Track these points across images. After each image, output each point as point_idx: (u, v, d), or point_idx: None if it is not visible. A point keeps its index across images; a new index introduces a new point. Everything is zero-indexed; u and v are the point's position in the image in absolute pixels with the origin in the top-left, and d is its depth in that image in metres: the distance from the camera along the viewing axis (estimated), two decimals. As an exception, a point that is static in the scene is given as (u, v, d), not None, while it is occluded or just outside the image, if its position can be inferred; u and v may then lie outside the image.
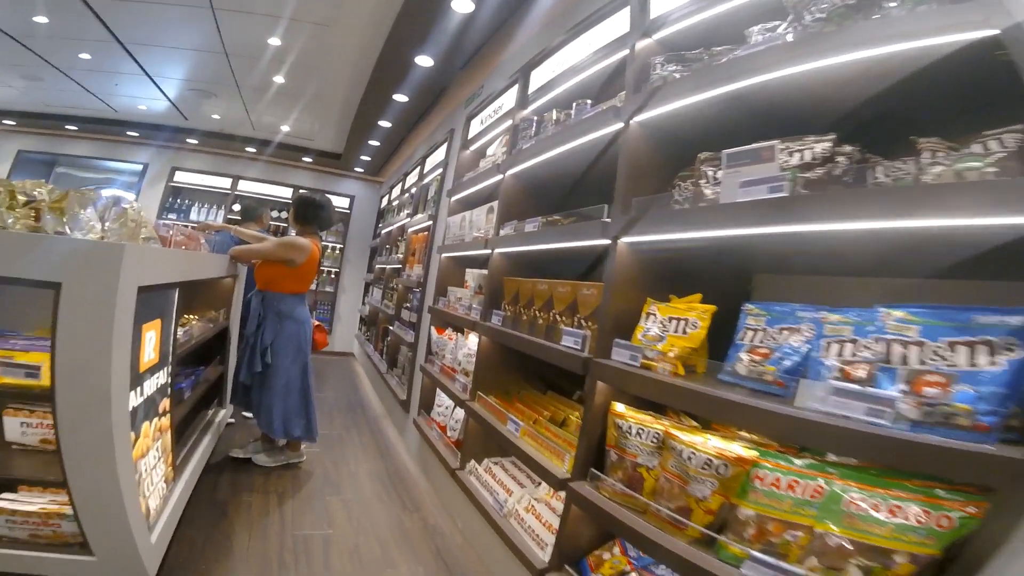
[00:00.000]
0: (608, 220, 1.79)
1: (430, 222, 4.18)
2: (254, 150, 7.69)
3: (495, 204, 2.87)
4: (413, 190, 5.39)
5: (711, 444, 1.42)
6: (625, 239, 1.73)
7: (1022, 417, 1.00)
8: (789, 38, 1.35)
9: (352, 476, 3.42)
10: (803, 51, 1.27)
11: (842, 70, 1.26)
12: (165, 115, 6.50)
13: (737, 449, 1.37)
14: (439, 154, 4.57)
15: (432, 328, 3.60)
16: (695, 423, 1.65)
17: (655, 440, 1.59)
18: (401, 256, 5.08)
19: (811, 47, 1.26)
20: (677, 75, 1.68)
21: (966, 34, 1.05)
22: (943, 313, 1.10)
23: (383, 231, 6.81)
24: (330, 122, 6.06)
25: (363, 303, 7.97)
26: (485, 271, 3.03)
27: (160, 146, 7.59)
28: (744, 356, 1.48)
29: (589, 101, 2.26)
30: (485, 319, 2.68)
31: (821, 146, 1.37)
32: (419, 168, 5.35)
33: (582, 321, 1.91)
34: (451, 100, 4.48)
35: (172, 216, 7.50)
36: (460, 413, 3.02)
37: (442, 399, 3.34)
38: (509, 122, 2.98)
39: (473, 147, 3.72)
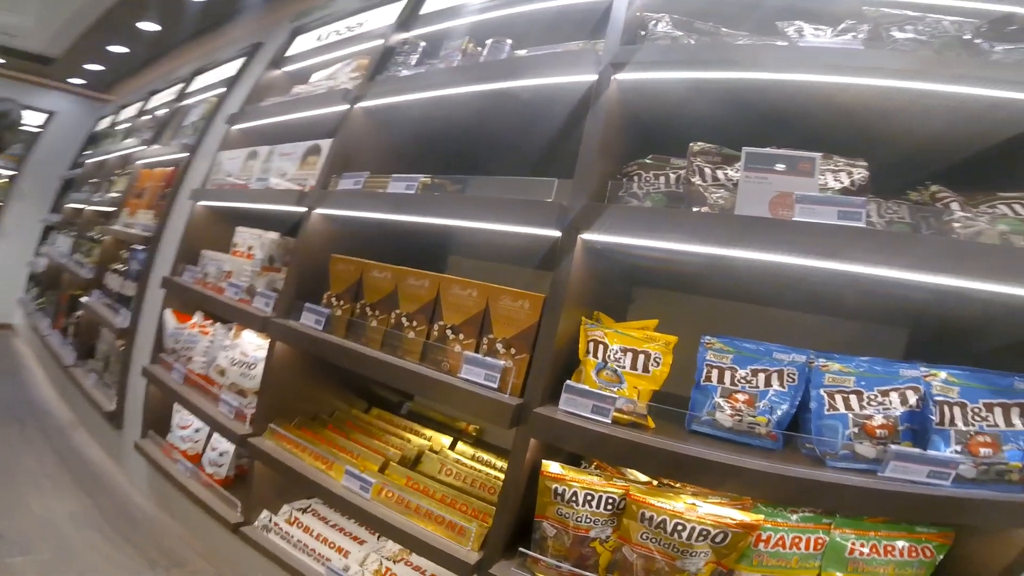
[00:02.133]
0: (564, 204, 1.25)
1: (183, 155, 2.78)
2: None
3: (325, 145, 1.93)
4: (161, 112, 3.62)
5: (704, 511, 1.13)
6: (591, 235, 1.23)
7: None
8: (858, 46, 1.12)
9: (45, 523, 2.16)
10: (896, 67, 1.06)
11: (915, 98, 1.08)
12: None
13: (736, 514, 1.12)
14: (224, 71, 3.12)
15: (168, 312, 2.36)
16: (643, 478, 1.33)
17: (610, 506, 1.21)
18: (118, 195, 3.36)
19: (906, 65, 1.05)
20: (690, 40, 1.24)
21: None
22: (983, 377, 1.06)
23: (90, 160, 4.72)
24: (55, 16, 3.86)
25: (37, 254, 5.36)
26: (281, 237, 2.07)
27: None
28: (724, 403, 1.21)
29: (509, 41, 1.61)
30: (285, 314, 1.80)
31: (859, 173, 1.17)
32: (182, 86, 3.62)
33: (497, 346, 1.34)
34: (275, 10, 3.07)
35: None
36: (224, 441, 2.05)
37: (189, 419, 2.23)
38: (374, 44, 2.06)
39: (290, 67, 2.61)
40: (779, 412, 1.18)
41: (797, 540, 1.13)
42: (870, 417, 1.11)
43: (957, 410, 1.04)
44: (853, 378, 1.16)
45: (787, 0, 1.30)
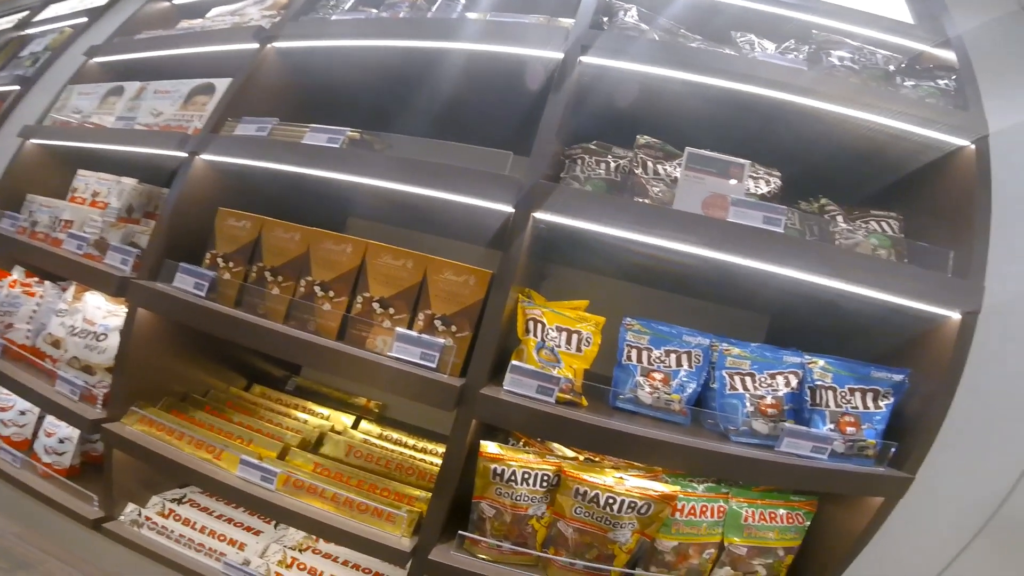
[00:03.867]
0: (516, 177, 1.19)
1: (13, 87, 2.18)
2: None
3: (221, 84, 1.59)
4: None
5: (630, 484, 1.21)
6: (542, 215, 1.19)
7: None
8: (804, 67, 1.24)
9: None
10: (825, 92, 1.21)
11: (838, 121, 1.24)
12: None
13: (658, 486, 1.22)
14: (88, 1, 2.47)
15: None
16: (570, 453, 1.37)
17: (545, 483, 1.23)
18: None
19: (833, 90, 1.20)
20: (654, 35, 1.24)
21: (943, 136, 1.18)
22: (848, 365, 1.26)
23: None
24: None
25: None
26: (140, 184, 1.72)
27: None
28: (643, 381, 1.29)
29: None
30: (151, 275, 1.48)
31: (774, 181, 1.30)
32: (27, 14, 2.83)
33: (436, 322, 1.25)
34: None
35: None
36: (64, 426, 1.65)
37: (9, 399, 1.75)
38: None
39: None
40: (688, 390, 1.30)
41: (704, 509, 1.26)
42: (763, 397, 1.26)
43: (830, 393, 1.24)
44: (748, 362, 1.31)
45: (742, 11, 1.39)
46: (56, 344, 1.66)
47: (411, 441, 1.78)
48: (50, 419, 1.68)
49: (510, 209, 1.21)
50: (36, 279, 1.84)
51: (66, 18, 2.59)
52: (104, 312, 1.62)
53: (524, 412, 1.13)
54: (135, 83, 1.88)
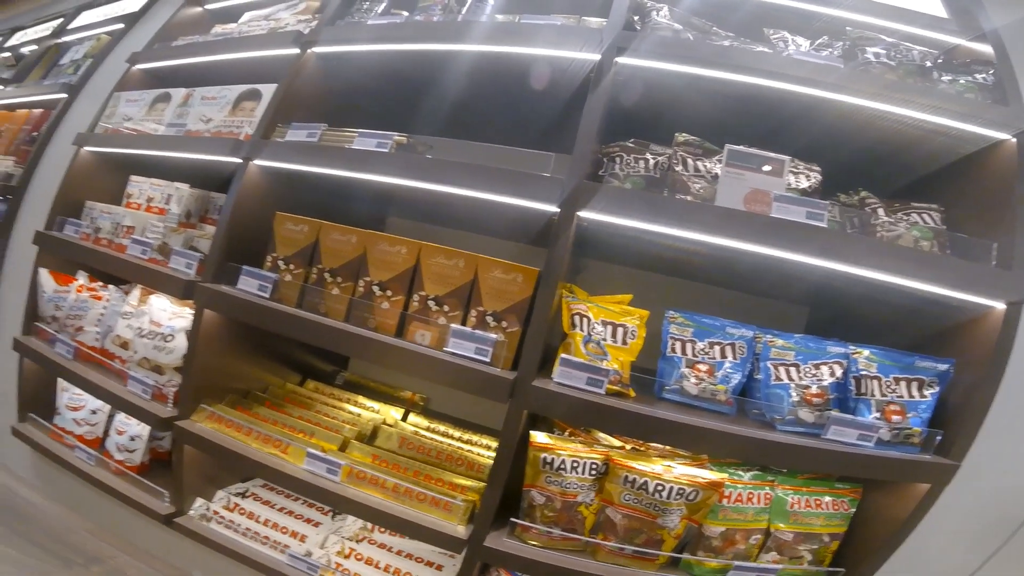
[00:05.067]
0: (563, 179, 1.24)
1: (61, 96, 2.24)
2: None
3: (267, 90, 1.66)
4: (27, 50, 2.94)
5: (678, 472, 1.25)
6: (587, 214, 1.23)
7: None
8: (840, 64, 1.25)
9: None
10: (863, 89, 1.23)
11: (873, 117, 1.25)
12: None
13: (706, 474, 1.26)
14: (121, 7, 2.58)
15: (44, 273, 1.92)
16: (616, 442, 1.42)
17: (593, 472, 1.29)
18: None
19: (870, 87, 1.22)
20: (688, 34, 1.27)
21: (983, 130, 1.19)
22: (892, 355, 1.28)
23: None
24: None
25: None
26: (191, 189, 1.81)
27: None
28: (688, 372, 1.34)
29: (491, 1, 1.50)
30: (215, 278, 1.57)
31: (814, 176, 1.32)
32: (62, 22, 2.89)
33: (487, 318, 1.32)
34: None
35: None
36: (134, 423, 1.77)
37: (81, 398, 1.87)
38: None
39: (214, 5, 2.25)
40: (733, 381, 1.34)
41: (751, 496, 1.29)
42: (808, 387, 1.29)
43: (875, 383, 1.26)
44: (793, 352, 1.34)
45: (774, 8, 1.41)
46: (124, 345, 1.77)
47: (456, 433, 1.84)
48: (120, 417, 1.79)
49: (555, 209, 1.26)
50: (100, 283, 1.95)
51: (100, 25, 2.64)
52: (169, 314, 1.72)
53: (574, 402, 1.18)
54: (181, 90, 1.94)
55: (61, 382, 1.88)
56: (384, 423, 1.76)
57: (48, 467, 1.92)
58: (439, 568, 1.51)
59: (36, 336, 1.95)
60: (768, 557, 1.32)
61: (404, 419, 1.86)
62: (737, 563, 1.28)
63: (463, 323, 1.34)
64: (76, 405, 1.85)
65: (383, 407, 1.89)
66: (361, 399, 1.92)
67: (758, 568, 1.29)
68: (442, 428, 1.85)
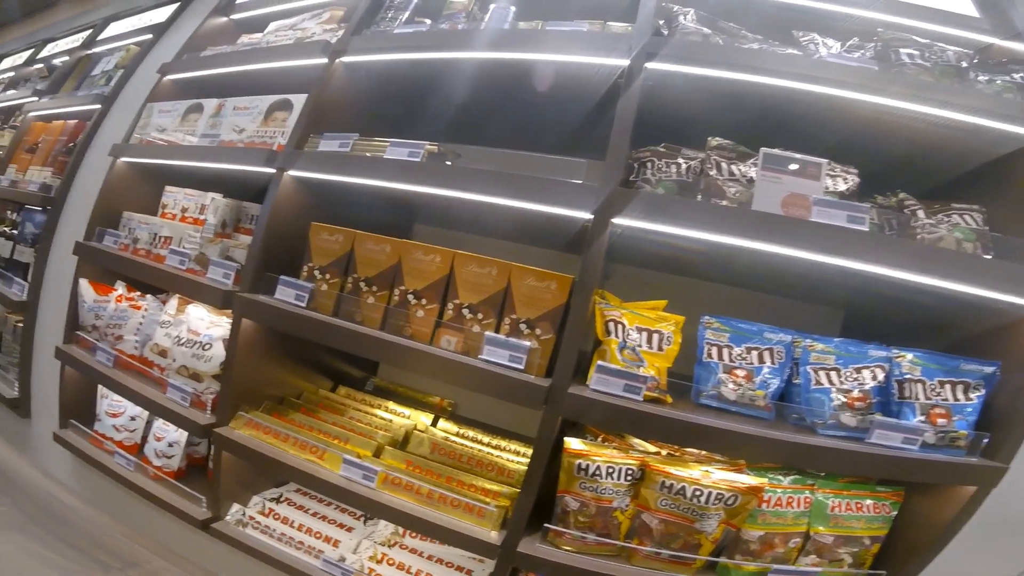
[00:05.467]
0: (596, 186, 1.24)
1: (95, 107, 2.29)
2: None
3: (297, 100, 1.69)
4: (58, 62, 3.02)
5: (717, 477, 1.24)
6: (621, 220, 1.23)
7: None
8: (875, 67, 1.24)
9: None
10: (899, 91, 1.21)
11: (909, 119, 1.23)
12: None
13: (746, 479, 1.25)
14: (147, 18, 2.63)
15: (84, 283, 1.97)
16: (651, 448, 1.42)
17: (629, 477, 1.28)
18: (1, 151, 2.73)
19: (906, 89, 1.20)
20: (717, 38, 1.27)
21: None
22: (936, 358, 1.25)
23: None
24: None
25: None
26: (222, 198, 1.84)
27: None
28: (726, 378, 1.33)
29: (513, 8, 1.51)
30: (252, 288, 1.61)
31: (852, 179, 1.31)
32: (91, 33, 2.99)
33: (521, 326, 1.32)
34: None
35: None
36: (172, 430, 1.81)
37: (120, 405, 1.92)
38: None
39: (240, 15, 2.27)
40: (772, 386, 1.32)
41: (791, 500, 1.28)
42: (849, 391, 1.27)
43: (919, 386, 1.23)
44: (833, 357, 1.32)
45: (803, 10, 1.40)
46: (163, 353, 1.81)
47: (486, 438, 1.85)
48: (158, 423, 1.84)
49: (588, 216, 1.26)
50: (138, 293, 2.00)
51: (128, 36, 2.70)
52: (207, 323, 1.76)
53: (611, 409, 1.17)
54: (213, 100, 1.97)
55: (101, 389, 1.93)
56: (415, 429, 1.77)
57: (87, 472, 1.97)
58: (468, 573, 1.52)
59: (77, 345, 2.01)
60: (807, 560, 1.30)
61: (434, 424, 1.88)
62: (776, 566, 1.27)
63: (496, 331, 1.35)
64: (116, 411, 1.90)
65: (413, 412, 1.91)
66: (391, 404, 1.94)
67: (798, 571, 1.28)
68: (471, 433, 1.86)
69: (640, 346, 1.31)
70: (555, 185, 1.27)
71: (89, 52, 2.90)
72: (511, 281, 1.34)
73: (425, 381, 2.10)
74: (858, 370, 1.31)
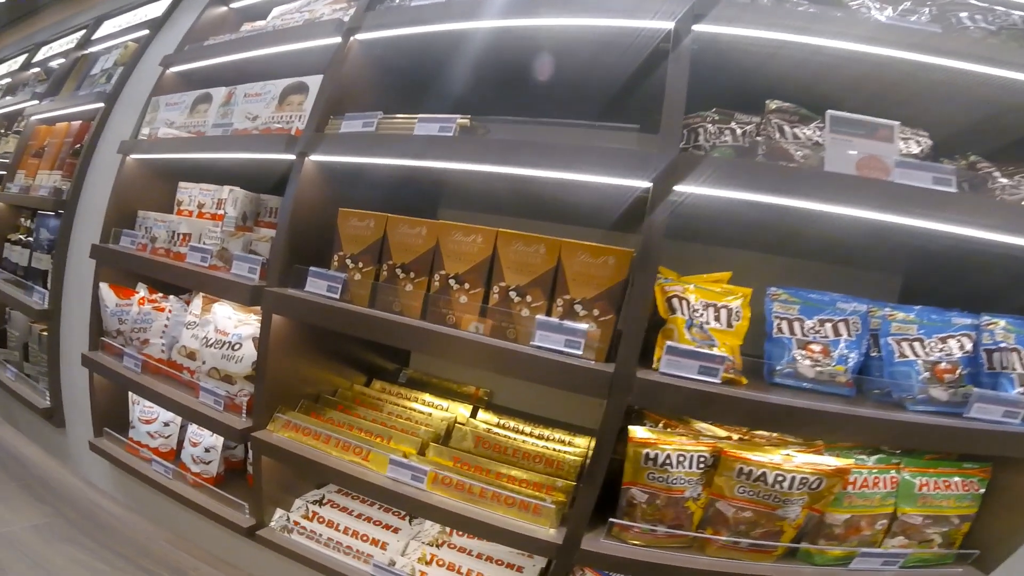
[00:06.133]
0: (654, 151, 1.11)
1: (98, 105, 2.18)
2: None
3: (313, 82, 1.57)
4: (55, 64, 2.93)
5: (800, 460, 1.14)
6: (684, 187, 1.10)
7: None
8: (937, 28, 1.12)
9: (8, 540, 1.74)
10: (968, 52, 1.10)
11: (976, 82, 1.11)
12: None
13: (831, 461, 1.14)
14: (141, 13, 2.53)
15: (105, 287, 1.88)
16: (719, 432, 1.31)
17: (701, 465, 1.18)
18: (6, 158, 2.67)
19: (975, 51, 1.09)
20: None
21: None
22: None
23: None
24: None
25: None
26: (241, 190, 1.74)
27: None
28: (801, 354, 1.21)
29: None
30: (280, 282, 1.50)
31: (924, 141, 1.19)
32: (85, 33, 2.90)
33: (576, 307, 1.20)
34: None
35: None
36: (207, 434, 1.72)
37: (153, 411, 1.84)
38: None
39: (240, 3, 2.16)
40: (851, 361, 1.21)
41: (877, 481, 1.18)
42: (937, 363, 1.16)
43: (1014, 355, 1.12)
44: (915, 326, 1.20)
45: None
46: (191, 356, 1.72)
47: (528, 428, 1.75)
48: (193, 428, 1.75)
49: (646, 184, 1.14)
50: (160, 294, 1.91)
51: (124, 32, 2.59)
52: (235, 322, 1.66)
53: (686, 394, 1.06)
54: (222, 89, 1.86)
55: (132, 395, 1.85)
56: (456, 422, 1.67)
57: (127, 479, 1.91)
58: (519, 570, 1.43)
59: (103, 351, 1.92)
60: (894, 542, 1.21)
61: (473, 416, 1.78)
62: (863, 550, 1.18)
63: (548, 314, 1.23)
64: (148, 418, 1.82)
65: (451, 404, 1.81)
66: (427, 396, 1.84)
67: (886, 554, 1.19)
68: (512, 423, 1.76)
69: (707, 323, 1.19)
70: (613, 154, 1.15)
71: (86, 52, 2.80)
72: (562, 259, 1.22)
73: (459, 370, 2.00)
74: (943, 339, 1.19)
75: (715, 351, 1.11)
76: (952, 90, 1.22)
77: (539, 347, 1.19)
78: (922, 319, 1.21)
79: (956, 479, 1.19)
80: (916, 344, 1.19)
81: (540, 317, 1.20)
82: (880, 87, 1.27)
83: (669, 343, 1.10)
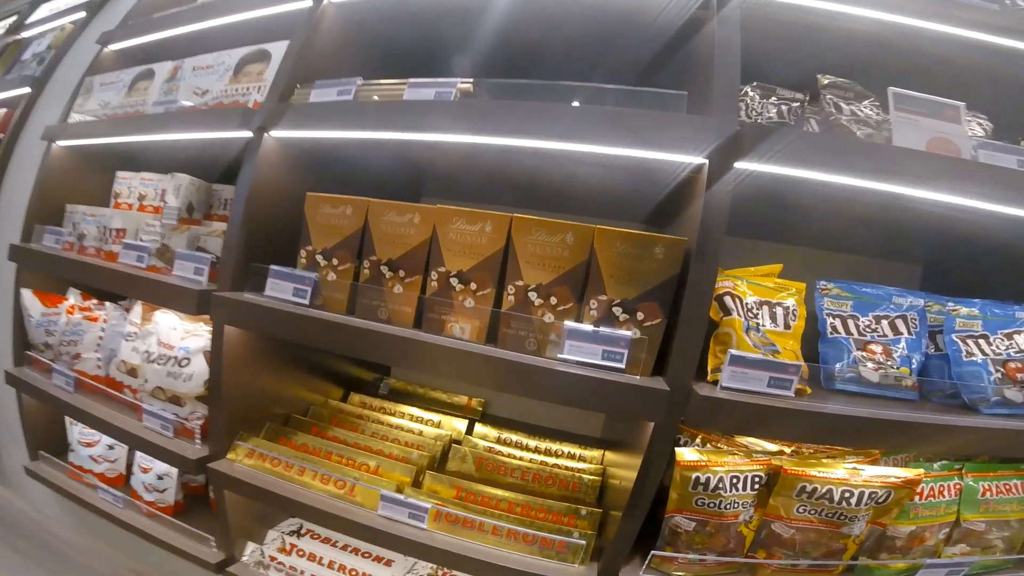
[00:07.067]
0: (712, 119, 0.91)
1: (23, 91, 1.90)
2: None
3: (276, 48, 1.28)
4: None
5: (868, 474, 0.98)
6: (751, 164, 0.90)
7: None
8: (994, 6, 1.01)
9: None
10: None
11: None
12: None
13: (900, 472, 1.00)
14: None
15: (28, 294, 1.51)
16: (768, 447, 1.12)
17: (756, 485, 0.99)
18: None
19: None
20: None
21: None
22: None
23: None
24: None
25: None
26: (186, 176, 1.46)
27: None
28: (863, 356, 1.04)
29: None
30: (234, 285, 1.21)
31: (986, 124, 1.07)
32: (16, 18, 2.57)
33: (615, 310, 0.98)
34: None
35: None
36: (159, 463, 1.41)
37: (94, 433, 1.50)
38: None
39: None
40: (914, 361, 1.06)
41: (941, 489, 1.06)
42: (1007, 361, 1.02)
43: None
44: (980, 322, 1.07)
45: None
46: (132, 372, 1.40)
47: (531, 442, 1.54)
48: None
49: (698, 160, 0.93)
50: (94, 301, 1.56)
51: (62, 15, 2.26)
52: (181, 333, 1.35)
53: (751, 411, 0.87)
54: (167, 63, 1.55)
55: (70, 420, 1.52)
56: (452, 441, 1.43)
57: (74, 507, 1.57)
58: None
59: (30, 367, 1.57)
60: (955, 550, 1.09)
61: (469, 432, 1.54)
62: (928, 561, 1.06)
63: (579, 319, 1.01)
64: (89, 440, 1.50)
65: (443, 419, 1.57)
66: (415, 410, 1.59)
67: (952, 564, 1.06)
68: (515, 438, 1.54)
69: (763, 324, 1.00)
70: (659, 121, 0.92)
71: (18, 37, 2.42)
72: (596, 250, 0.99)
73: (447, 378, 1.76)
74: (1008, 335, 1.06)
75: (777, 358, 0.92)
76: (1002, 71, 1.09)
77: (568, 360, 0.97)
78: (985, 313, 1.07)
79: (1016, 481, 1.09)
80: (982, 341, 1.05)
81: (569, 324, 0.98)
82: (927, 67, 1.11)
83: (732, 352, 0.90)
